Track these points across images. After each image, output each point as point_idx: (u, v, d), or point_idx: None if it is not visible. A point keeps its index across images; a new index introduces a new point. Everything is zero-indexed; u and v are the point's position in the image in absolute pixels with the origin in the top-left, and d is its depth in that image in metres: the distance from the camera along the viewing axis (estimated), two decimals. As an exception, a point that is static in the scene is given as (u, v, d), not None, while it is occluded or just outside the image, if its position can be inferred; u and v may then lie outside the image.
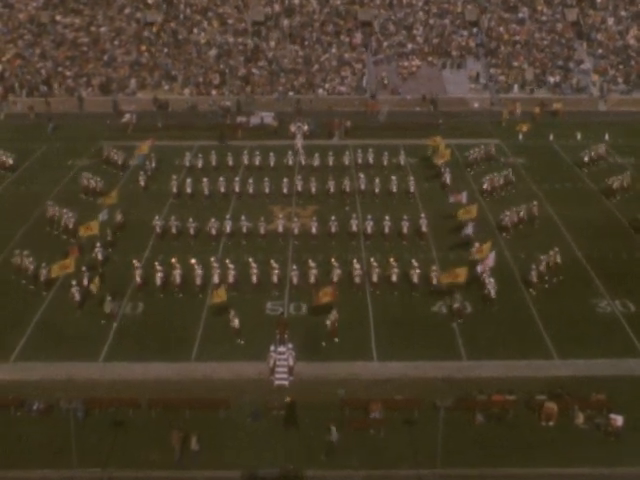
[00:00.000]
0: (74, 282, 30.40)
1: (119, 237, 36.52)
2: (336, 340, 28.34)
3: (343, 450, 23.01)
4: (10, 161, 46.05)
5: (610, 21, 66.41)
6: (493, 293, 30.38)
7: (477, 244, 33.25)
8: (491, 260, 31.41)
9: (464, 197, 36.92)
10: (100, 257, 33.55)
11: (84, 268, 31.66)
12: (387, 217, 36.29)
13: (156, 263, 32.16)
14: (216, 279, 31.40)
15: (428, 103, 58.96)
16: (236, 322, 28.38)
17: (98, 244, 33.93)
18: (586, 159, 45.94)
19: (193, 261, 32.20)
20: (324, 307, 29.24)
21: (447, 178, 42.76)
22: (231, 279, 31.42)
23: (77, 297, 30.13)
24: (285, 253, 34.81)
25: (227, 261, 32.30)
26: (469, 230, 35.26)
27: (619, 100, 59.68)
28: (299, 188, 41.47)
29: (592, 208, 39.72)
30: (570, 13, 67.47)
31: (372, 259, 32.49)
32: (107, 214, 36.31)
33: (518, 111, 56.31)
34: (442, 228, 37.14)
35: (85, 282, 30.90)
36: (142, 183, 42.85)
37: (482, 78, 62.03)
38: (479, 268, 31.47)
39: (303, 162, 45.87)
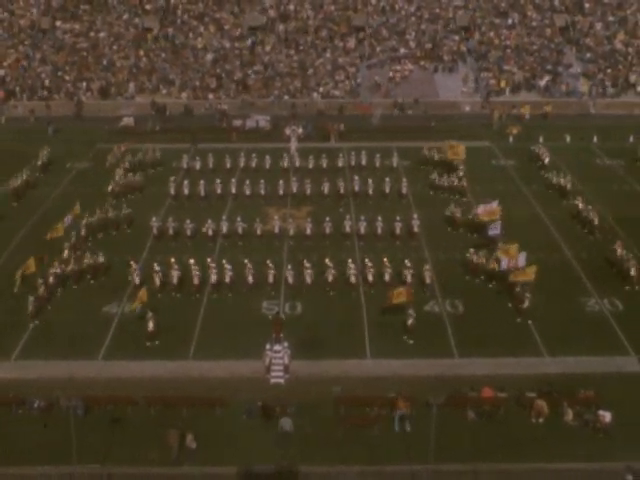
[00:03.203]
0: (40, 280, 31.14)
1: (117, 236, 37.18)
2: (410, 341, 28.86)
3: (338, 446, 23.44)
4: (45, 159, 46.80)
5: (598, 26, 67.14)
6: (527, 302, 30.23)
7: (500, 244, 33.80)
8: (522, 260, 31.57)
9: (494, 205, 36.76)
10: (66, 255, 34.10)
11: (57, 270, 32.27)
12: (380, 218, 36.83)
13: (155, 264, 32.61)
14: (213, 279, 31.92)
15: (398, 107, 59.60)
16: (151, 325, 28.66)
17: (66, 244, 34.57)
18: (547, 161, 46.21)
19: (192, 261, 32.69)
20: (397, 307, 29.72)
21: (460, 173, 43.52)
22: (227, 279, 31.93)
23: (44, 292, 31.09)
24: (280, 253, 35.28)
25: (224, 261, 32.79)
26: (495, 230, 35.38)
27: (607, 103, 60.46)
28: (294, 190, 41.99)
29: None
30: (559, 18, 68.16)
31: (366, 259, 33.00)
32: (71, 220, 37.10)
33: (527, 115, 57.16)
34: (434, 229, 37.66)
35: (51, 280, 31.85)
36: (117, 178, 43.67)
37: (473, 82, 62.75)
38: (503, 265, 31.79)
39: (297, 164, 46.43)
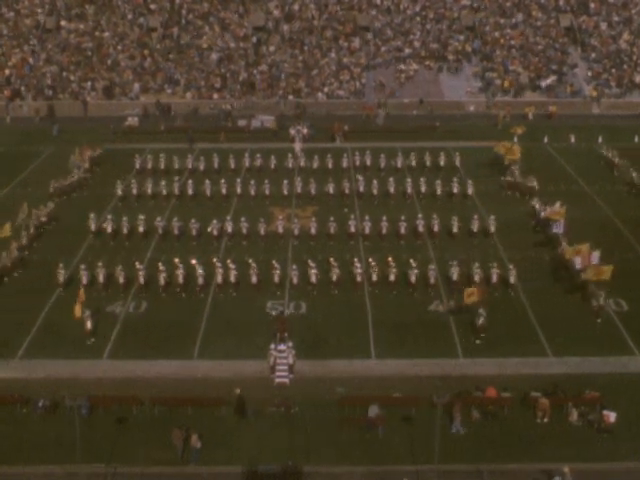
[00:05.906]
0: None
1: (128, 242, 37.07)
2: (478, 342, 28.77)
3: (342, 446, 23.43)
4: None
5: (603, 26, 67.07)
6: (602, 300, 30.12)
7: (564, 243, 33.90)
8: (595, 259, 31.51)
9: (557, 205, 36.92)
10: (16, 254, 34.20)
11: None
12: (384, 218, 36.83)
13: (159, 263, 32.62)
14: (219, 279, 31.94)
15: (383, 106, 59.48)
16: (89, 324, 28.77)
17: (14, 244, 34.54)
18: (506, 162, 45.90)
19: (193, 261, 32.73)
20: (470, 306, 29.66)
21: (516, 174, 43.18)
22: (232, 279, 31.96)
23: None
24: (285, 253, 35.29)
25: (228, 261, 32.82)
26: (558, 228, 35.52)
27: (612, 103, 60.36)
28: (299, 190, 41.97)
29: (585, 209, 40.12)
30: (564, 18, 68.13)
31: (370, 259, 32.99)
32: (21, 219, 37.15)
33: (531, 114, 57.20)
34: (438, 228, 37.58)
35: None
36: (75, 177, 43.65)
37: (478, 81, 62.70)
38: (577, 264, 31.75)
39: (302, 164, 46.46)
